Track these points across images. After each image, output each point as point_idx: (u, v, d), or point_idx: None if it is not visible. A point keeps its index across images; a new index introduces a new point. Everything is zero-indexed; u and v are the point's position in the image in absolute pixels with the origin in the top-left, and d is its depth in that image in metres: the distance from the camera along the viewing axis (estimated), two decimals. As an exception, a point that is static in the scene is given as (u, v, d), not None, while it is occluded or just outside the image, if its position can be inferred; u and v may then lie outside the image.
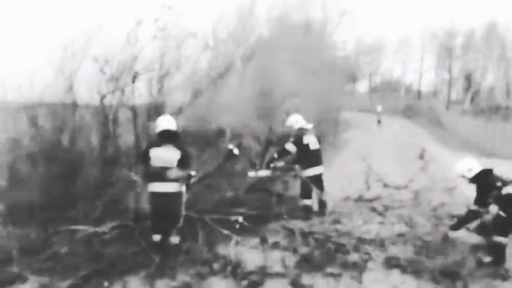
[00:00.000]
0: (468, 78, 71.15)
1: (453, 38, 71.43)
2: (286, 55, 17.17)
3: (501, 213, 7.95)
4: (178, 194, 8.12)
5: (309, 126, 11.41)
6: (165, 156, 8.07)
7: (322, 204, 11.16)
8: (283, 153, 11.20)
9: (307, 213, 10.84)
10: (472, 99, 66.48)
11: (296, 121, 11.38)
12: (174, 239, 8.05)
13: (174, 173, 8.05)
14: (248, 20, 17.41)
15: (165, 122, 8.44)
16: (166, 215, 8.04)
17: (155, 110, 11.35)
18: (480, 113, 51.62)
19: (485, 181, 8.35)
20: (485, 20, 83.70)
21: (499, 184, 8.13)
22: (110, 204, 9.36)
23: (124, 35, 10.80)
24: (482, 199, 8.32)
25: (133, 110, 11.24)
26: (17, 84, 10.13)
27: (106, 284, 7.14)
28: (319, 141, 11.46)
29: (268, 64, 16.17)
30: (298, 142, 11.06)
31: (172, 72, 12.14)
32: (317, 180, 11.02)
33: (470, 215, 8.69)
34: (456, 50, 72.20)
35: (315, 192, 11.03)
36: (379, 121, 46.58)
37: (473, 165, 8.59)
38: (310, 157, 11.09)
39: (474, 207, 8.51)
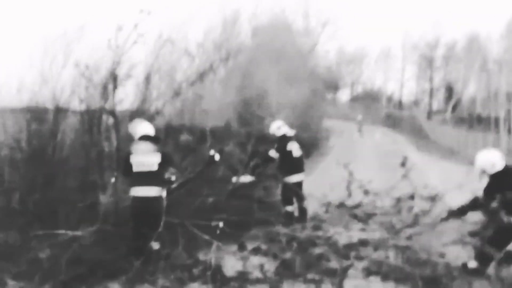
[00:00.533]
0: (449, 89, 71.60)
1: (434, 49, 71.99)
2: (269, 63, 17.24)
3: (510, 219, 7.52)
4: (159, 198, 8.12)
5: (292, 132, 11.44)
6: (146, 160, 8.07)
7: (302, 211, 11.17)
8: (267, 160, 11.21)
9: (288, 219, 10.83)
10: (454, 109, 66.92)
11: (279, 127, 11.38)
12: (154, 245, 8.01)
13: (156, 176, 8.05)
14: (232, 28, 17.48)
15: (143, 128, 8.46)
16: (147, 219, 7.99)
17: (137, 115, 11.32)
18: (461, 122, 52.01)
19: (506, 179, 7.79)
20: (466, 31, 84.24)
21: None
22: (90, 208, 9.30)
23: (106, 40, 10.78)
24: (491, 194, 7.82)
25: (114, 115, 11.18)
26: (8, 88, 10.15)
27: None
28: (301, 148, 11.50)
29: (250, 72, 16.21)
30: (281, 148, 11.08)
31: (153, 77, 12.13)
32: (297, 187, 11.03)
33: (474, 204, 8.23)
34: (437, 60, 72.75)
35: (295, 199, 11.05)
36: (359, 130, 46.79)
37: (497, 160, 7.94)
38: (292, 164, 11.12)
39: (481, 198, 8.03)
